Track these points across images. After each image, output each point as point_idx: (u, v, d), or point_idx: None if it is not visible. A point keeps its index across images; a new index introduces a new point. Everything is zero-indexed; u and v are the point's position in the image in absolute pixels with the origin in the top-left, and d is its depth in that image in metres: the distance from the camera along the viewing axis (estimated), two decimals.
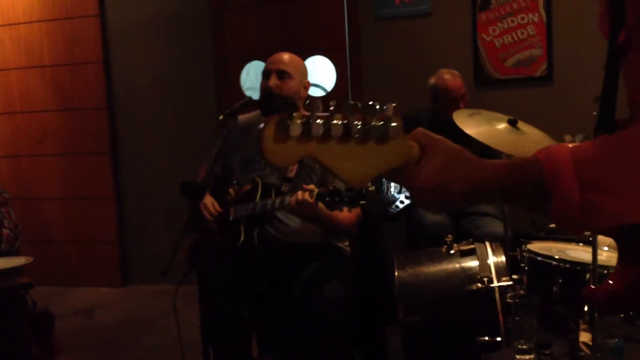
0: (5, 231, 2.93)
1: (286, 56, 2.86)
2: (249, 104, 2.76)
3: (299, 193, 2.49)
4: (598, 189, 0.83)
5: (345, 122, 0.87)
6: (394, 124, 0.90)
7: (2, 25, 5.20)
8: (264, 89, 2.83)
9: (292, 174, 2.78)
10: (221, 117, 2.67)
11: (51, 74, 5.15)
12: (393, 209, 3.75)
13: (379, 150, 0.90)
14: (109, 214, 5.12)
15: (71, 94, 5.11)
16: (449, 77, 3.65)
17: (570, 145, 0.88)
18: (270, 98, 2.79)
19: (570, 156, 0.85)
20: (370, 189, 2.39)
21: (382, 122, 0.89)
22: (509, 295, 2.06)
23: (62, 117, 5.15)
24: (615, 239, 0.96)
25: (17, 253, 2.97)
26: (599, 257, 2.28)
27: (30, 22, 5.14)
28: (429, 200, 0.95)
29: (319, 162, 0.87)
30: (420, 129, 0.97)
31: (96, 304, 4.71)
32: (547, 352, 2.09)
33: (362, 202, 2.42)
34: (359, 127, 0.88)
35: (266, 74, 2.84)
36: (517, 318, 1.94)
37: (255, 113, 2.96)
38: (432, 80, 3.69)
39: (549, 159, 0.86)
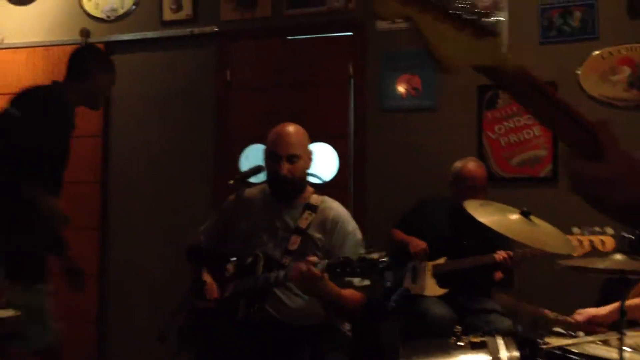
0: None
1: (293, 137, 2.74)
2: (260, 170, 2.69)
3: (302, 265, 2.39)
4: None
5: None
6: (496, 19, 0.92)
7: (2, 94, 5.16)
8: (274, 174, 2.72)
9: (294, 247, 2.67)
10: (231, 182, 2.59)
11: None
12: (392, 302, 3.63)
13: (474, 43, 0.89)
14: (91, 290, 4.89)
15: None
16: (476, 165, 3.70)
17: None
18: (284, 184, 2.71)
19: None
20: (384, 259, 2.29)
21: (485, 12, 0.90)
22: None
23: None
24: None
25: None
26: (624, 355, 2.18)
27: None
28: (588, 194, 0.94)
29: (418, 28, 0.87)
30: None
31: None
32: None
33: (373, 274, 2.32)
34: (462, 4, 0.89)
35: (274, 157, 2.73)
36: None
37: (261, 187, 2.89)
38: (458, 165, 3.70)
39: None
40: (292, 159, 2.70)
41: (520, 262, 3.30)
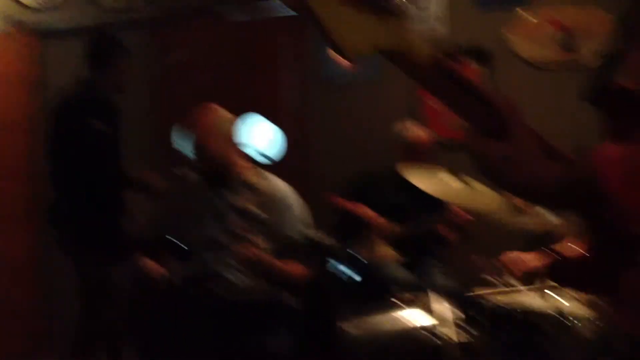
0: None
1: (198, 134, 2.71)
2: None
3: (247, 247, 2.42)
4: None
5: None
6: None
7: None
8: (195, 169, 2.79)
9: (237, 227, 2.68)
10: (176, 171, 2.61)
11: None
12: (347, 272, 3.64)
13: (378, 24, 0.82)
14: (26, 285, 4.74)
15: None
16: (423, 131, 3.77)
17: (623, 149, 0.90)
18: (202, 176, 2.76)
19: (620, 160, 0.88)
20: (327, 239, 2.34)
21: None
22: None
23: None
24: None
25: None
26: (555, 305, 2.27)
27: None
28: (492, 173, 0.93)
29: (315, 13, 0.80)
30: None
31: None
32: None
33: (316, 251, 2.36)
34: None
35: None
36: None
37: None
38: (405, 132, 3.74)
39: (600, 161, 0.89)
40: (200, 155, 2.71)
41: (471, 220, 3.36)
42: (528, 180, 0.91)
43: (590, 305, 2.40)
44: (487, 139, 0.92)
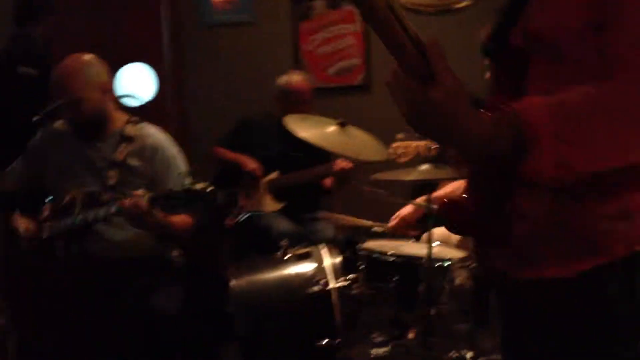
0: None
1: (66, 81, 2.52)
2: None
3: (126, 201, 2.32)
4: (572, 143, 0.89)
5: None
6: None
7: None
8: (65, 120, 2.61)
9: (114, 181, 2.57)
10: (35, 119, 2.42)
11: None
12: (231, 222, 3.59)
13: None
14: None
15: None
16: (301, 78, 3.69)
17: (547, 101, 0.91)
18: (74, 128, 2.59)
19: (547, 110, 0.90)
20: (209, 189, 2.27)
21: None
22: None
23: None
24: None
25: None
26: (432, 251, 2.37)
27: None
28: (419, 119, 0.94)
29: None
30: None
31: None
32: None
33: (199, 203, 2.30)
34: None
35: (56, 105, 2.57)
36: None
37: None
38: (283, 79, 3.66)
39: (526, 112, 0.90)
40: (70, 105, 2.52)
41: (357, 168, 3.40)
42: (456, 129, 0.93)
43: (466, 249, 2.52)
44: (417, 84, 0.93)
